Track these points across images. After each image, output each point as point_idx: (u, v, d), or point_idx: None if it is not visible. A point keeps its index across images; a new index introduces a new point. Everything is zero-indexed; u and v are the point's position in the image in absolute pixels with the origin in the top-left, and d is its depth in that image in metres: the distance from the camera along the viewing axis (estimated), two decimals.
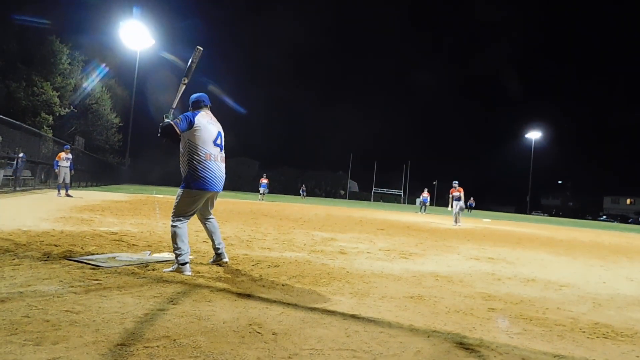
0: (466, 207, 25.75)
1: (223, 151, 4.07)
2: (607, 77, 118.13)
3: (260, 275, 3.91)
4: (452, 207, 15.63)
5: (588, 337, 2.78)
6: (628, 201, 79.86)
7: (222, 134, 4.09)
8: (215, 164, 3.91)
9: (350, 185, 78.79)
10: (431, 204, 37.20)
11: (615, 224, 50.52)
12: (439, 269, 5.16)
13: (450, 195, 15.71)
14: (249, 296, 3.09)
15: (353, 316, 2.80)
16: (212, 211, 4.23)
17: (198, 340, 2.15)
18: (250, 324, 2.44)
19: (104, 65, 35.07)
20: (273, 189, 48.59)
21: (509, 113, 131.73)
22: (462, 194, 15.26)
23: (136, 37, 40.48)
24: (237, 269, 4.11)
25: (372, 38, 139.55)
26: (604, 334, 2.87)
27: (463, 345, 2.41)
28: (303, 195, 44.06)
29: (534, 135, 68.98)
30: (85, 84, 32.64)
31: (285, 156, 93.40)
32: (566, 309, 3.53)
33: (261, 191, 27.31)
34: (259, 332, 2.32)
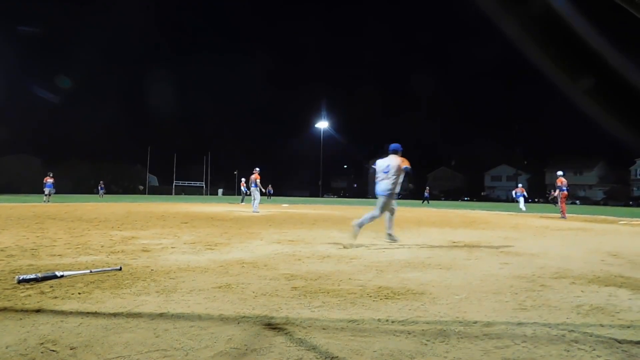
0: (266, 194, 26.94)
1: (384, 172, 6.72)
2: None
3: (51, 286, 3.34)
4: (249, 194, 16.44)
5: (374, 300, 3.13)
6: None
7: (390, 165, 6.68)
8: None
9: (149, 179, 72.96)
10: (233, 194, 37.64)
11: None
12: (245, 255, 5.20)
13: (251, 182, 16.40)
14: (38, 312, 2.68)
15: (161, 315, 2.68)
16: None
17: None
18: (41, 343, 2.16)
19: None
20: (62, 188, 40.50)
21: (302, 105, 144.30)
22: (258, 181, 15.97)
23: None
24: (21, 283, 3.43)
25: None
26: (385, 296, 3.28)
27: (271, 325, 2.50)
28: (101, 193, 38.31)
29: (322, 124, 76.27)
30: None
31: (75, 150, 79.41)
32: (356, 279, 3.93)
33: (46, 192, 23.03)
34: (53, 350, 2.07)
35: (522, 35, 0.61)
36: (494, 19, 0.61)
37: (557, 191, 15.95)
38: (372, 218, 6.60)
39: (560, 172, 16.14)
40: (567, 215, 15.91)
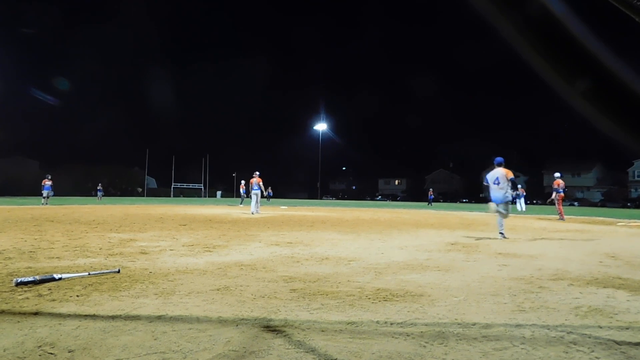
0: (266, 196, 27.07)
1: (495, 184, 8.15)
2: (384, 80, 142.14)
3: (49, 289, 3.33)
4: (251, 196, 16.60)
5: (372, 302, 3.13)
6: (397, 182, 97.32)
7: (499, 177, 8.10)
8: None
9: (148, 181, 72.80)
10: (231, 196, 37.63)
11: (387, 202, 61.56)
12: (243, 258, 5.19)
13: (251, 185, 16.51)
14: (36, 314, 2.67)
15: (159, 317, 2.67)
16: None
17: None
18: (39, 346, 2.15)
19: None
20: (60, 191, 40.26)
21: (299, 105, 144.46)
22: (261, 184, 16.17)
23: None
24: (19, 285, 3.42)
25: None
26: (384, 297, 3.28)
27: (269, 327, 2.50)
28: (99, 196, 38.01)
29: (321, 127, 76.16)
30: None
31: (72, 152, 79.07)
32: (354, 280, 3.92)
33: (44, 194, 22.97)
34: (51, 353, 2.06)
35: (519, 38, 0.61)
36: (491, 21, 0.61)
37: (554, 193, 15.98)
38: (501, 221, 8.15)
39: (557, 174, 16.19)
40: (565, 216, 15.95)
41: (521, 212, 22.35)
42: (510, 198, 8.11)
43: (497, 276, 4.26)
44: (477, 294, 3.45)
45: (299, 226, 10.52)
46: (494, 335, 2.44)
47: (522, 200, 25.03)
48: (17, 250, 5.44)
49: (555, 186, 15.83)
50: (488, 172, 8.46)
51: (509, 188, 8.05)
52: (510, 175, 8.05)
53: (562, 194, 15.91)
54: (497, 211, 8.17)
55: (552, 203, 16.70)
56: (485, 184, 8.52)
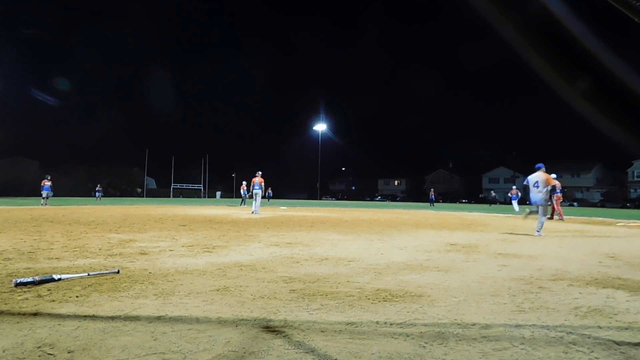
0: (266, 197, 27.16)
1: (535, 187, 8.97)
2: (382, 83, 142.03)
3: (49, 289, 3.32)
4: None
5: (372, 303, 3.13)
6: (396, 182, 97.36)
7: (539, 181, 8.89)
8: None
9: (147, 182, 72.72)
10: (231, 196, 37.70)
11: (387, 202, 61.57)
12: (243, 258, 5.18)
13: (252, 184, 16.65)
14: (35, 315, 2.68)
15: (159, 318, 2.67)
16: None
17: None
18: (39, 347, 2.15)
19: None
20: (59, 191, 40.17)
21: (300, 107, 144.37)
22: (262, 184, 16.30)
23: None
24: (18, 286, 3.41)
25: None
26: (383, 298, 3.27)
27: (269, 328, 2.50)
28: (99, 197, 37.99)
29: (320, 127, 75.91)
30: None
31: (72, 152, 79.04)
32: (354, 281, 3.92)
33: (44, 195, 22.94)
34: (50, 354, 2.06)
35: (519, 38, 0.61)
36: (491, 21, 0.61)
37: (552, 194, 16.08)
38: (542, 221, 8.92)
39: (553, 175, 16.31)
40: (564, 217, 16.03)
41: (516, 212, 22.52)
42: (548, 202, 9.10)
43: (496, 276, 4.26)
44: (477, 295, 3.45)
45: (298, 227, 10.52)
46: (494, 335, 2.44)
47: (515, 202, 25.29)
48: (16, 250, 5.44)
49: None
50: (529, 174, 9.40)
51: (547, 193, 9.01)
52: (551, 182, 9.07)
53: (559, 195, 16.05)
54: (531, 212, 9.36)
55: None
56: (525, 184, 9.45)
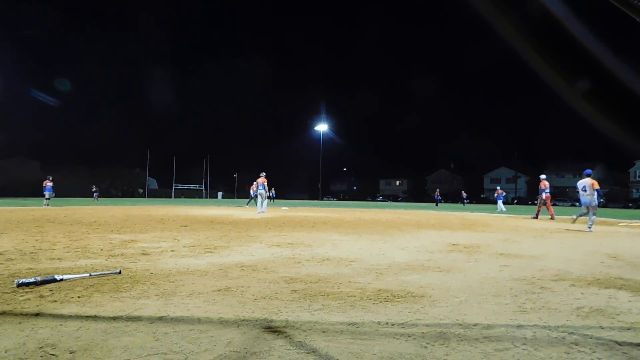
0: (269, 198, 27.35)
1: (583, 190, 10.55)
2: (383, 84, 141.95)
3: (51, 290, 3.33)
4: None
5: (374, 303, 3.13)
6: (398, 182, 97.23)
7: (586, 185, 10.47)
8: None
9: (149, 182, 72.83)
10: (233, 197, 37.81)
11: (388, 202, 61.53)
12: (244, 258, 5.19)
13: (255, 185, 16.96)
14: (37, 315, 2.68)
15: (161, 318, 2.68)
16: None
17: None
18: (41, 347, 2.15)
19: None
20: (61, 192, 40.28)
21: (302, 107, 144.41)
22: (266, 184, 16.55)
23: None
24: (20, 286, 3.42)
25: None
26: (385, 298, 3.27)
27: (271, 328, 2.50)
28: (95, 197, 38.12)
29: (321, 127, 75.64)
30: None
31: (74, 153, 79.12)
32: (356, 281, 3.92)
33: (46, 195, 23.02)
34: (52, 354, 2.06)
35: (519, 38, 0.61)
36: (491, 21, 0.61)
37: (543, 194, 16.21)
38: (592, 219, 10.45)
39: (543, 176, 16.61)
40: (555, 216, 16.36)
41: (500, 212, 23.12)
42: (595, 203, 10.38)
43: (498, 277, 4.25)
44: (479, 295, 3.45)
45: (300, 227, 10.52)
46: (496, 336, 2.43)
47: (501, 201, 25.82)
48: (18, 251, 5.45)
49: (542, 187, 16.14)
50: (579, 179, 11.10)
51: (594, 195, 10.44)
52: (596, 186, 10.42)
53: (549, 195, 16.35)
54: (580, 215, 11.32)
55: (534, 203, 17.49)
56: (576, 189, 11.10)
